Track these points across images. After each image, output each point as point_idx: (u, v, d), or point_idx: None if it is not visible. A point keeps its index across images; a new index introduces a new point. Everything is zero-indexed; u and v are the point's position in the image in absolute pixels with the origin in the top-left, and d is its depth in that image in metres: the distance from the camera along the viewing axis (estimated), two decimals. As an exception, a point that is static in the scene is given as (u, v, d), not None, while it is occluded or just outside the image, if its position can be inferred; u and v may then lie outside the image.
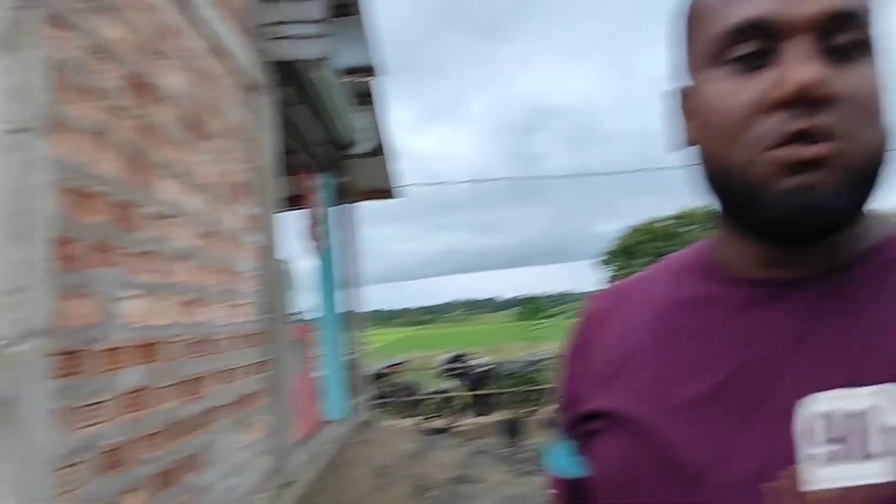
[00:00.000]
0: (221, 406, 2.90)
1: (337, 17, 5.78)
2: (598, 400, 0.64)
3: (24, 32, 1.67)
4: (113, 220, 2.08)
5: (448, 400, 9.32)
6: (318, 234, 5.74)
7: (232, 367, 3.06)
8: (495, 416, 8.99)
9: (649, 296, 0.68)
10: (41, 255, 1.66)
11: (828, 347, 0.55)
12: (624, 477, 0.60)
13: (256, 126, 3.72)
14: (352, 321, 7.61)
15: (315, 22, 3.86)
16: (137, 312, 2.18)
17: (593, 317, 0.72)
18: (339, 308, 6.26)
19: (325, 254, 5.92)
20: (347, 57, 6.80)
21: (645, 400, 0.60)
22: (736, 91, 0.56)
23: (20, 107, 1.64)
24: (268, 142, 3.79)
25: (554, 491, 0.72)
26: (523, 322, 9.55)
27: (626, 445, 0.60)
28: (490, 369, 9.49)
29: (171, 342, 2.41)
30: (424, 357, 16.03)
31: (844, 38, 0.54)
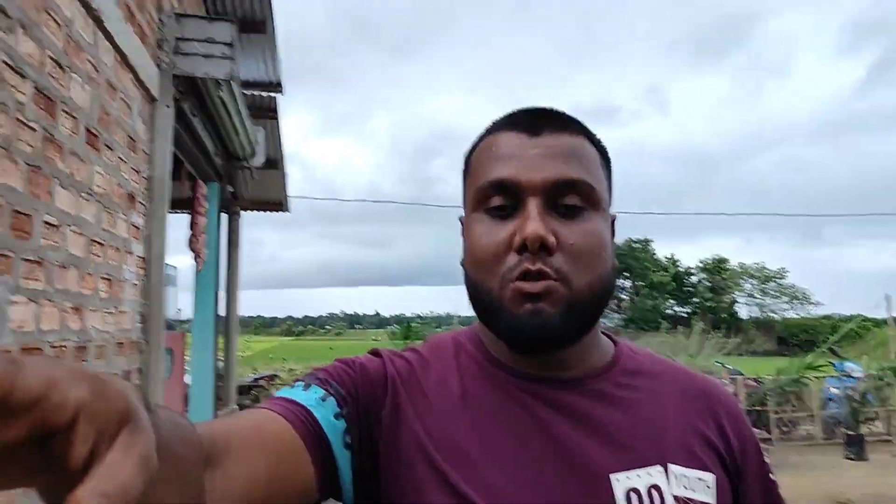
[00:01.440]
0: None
1: (245, 32, 5.87)
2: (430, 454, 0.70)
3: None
4: (9, 228, 2.17)
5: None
6: (202, 243, 5.75)
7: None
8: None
9: (445, 362, 0.79)
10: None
11: (610, 433, 0.72)
12: None
13: (153, 137, 3.80)
14: (228, 328, 7.56)
15: (224, 44, 3.98)
16: (23, 318, 2.26)
17: (410, 362, 0.80)
18: (216, 315, 6.26)
19: (206, 261, 5.94)
20: (252, 71, 6.88)
21: (487, 493, 0.68)
22: (490, 233, 0.72)
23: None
24: (163, 153, 3.87)
25: (275, 408, 0.67)
26: (400, 341, 9.69)
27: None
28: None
29: (53, 347, 2.49)
30: (297, 370, 15.91)
31: (569, 200, 0.71)
